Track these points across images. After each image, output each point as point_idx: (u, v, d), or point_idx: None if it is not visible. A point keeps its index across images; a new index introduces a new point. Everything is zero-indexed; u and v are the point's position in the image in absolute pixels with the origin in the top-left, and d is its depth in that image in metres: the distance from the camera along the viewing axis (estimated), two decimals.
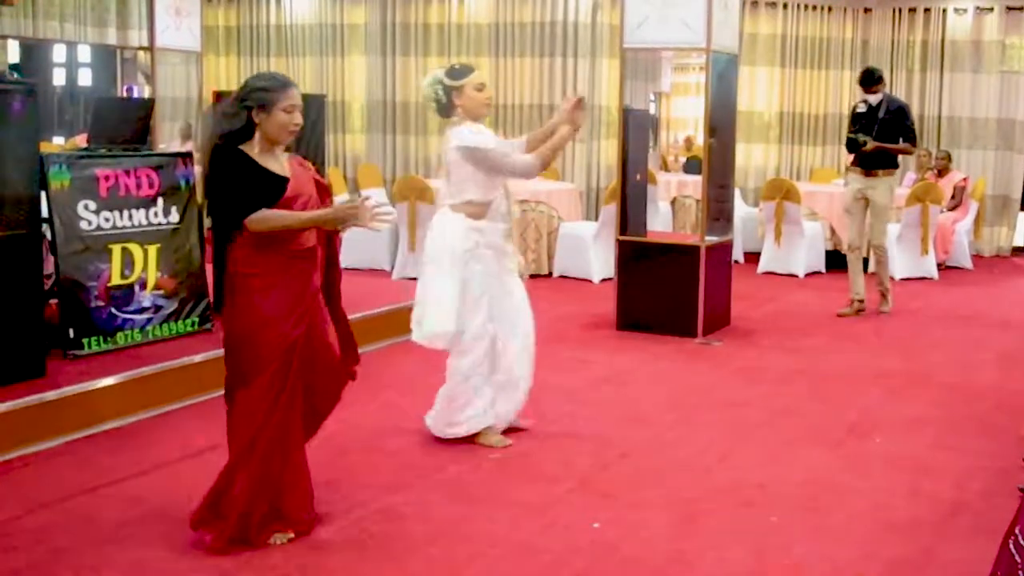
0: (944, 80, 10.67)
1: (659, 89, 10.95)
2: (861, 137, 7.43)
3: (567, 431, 4.88)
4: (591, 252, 8.98)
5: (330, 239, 3.61)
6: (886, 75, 10.43)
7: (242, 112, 3.32)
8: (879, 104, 7.50)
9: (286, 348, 3.39)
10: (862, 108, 7.57)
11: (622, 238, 7.11)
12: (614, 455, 4.57)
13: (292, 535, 3.51)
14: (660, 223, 9.54)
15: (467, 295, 4.38)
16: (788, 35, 10.85)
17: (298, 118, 3.38)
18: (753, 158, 11.00)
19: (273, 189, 3.34)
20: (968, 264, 10.00)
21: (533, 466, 4.41)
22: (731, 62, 7.22)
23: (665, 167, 11.13)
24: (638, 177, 7.25)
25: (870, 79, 7.53)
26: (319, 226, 3.44)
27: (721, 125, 7.12)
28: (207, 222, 7.34)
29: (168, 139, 9.67)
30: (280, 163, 3.42)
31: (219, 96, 6.54)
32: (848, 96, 10.85)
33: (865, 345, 6.84)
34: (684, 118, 11.52)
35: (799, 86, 10.95)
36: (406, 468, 4.31)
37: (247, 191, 3.32)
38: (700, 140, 7.22)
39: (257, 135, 3.36)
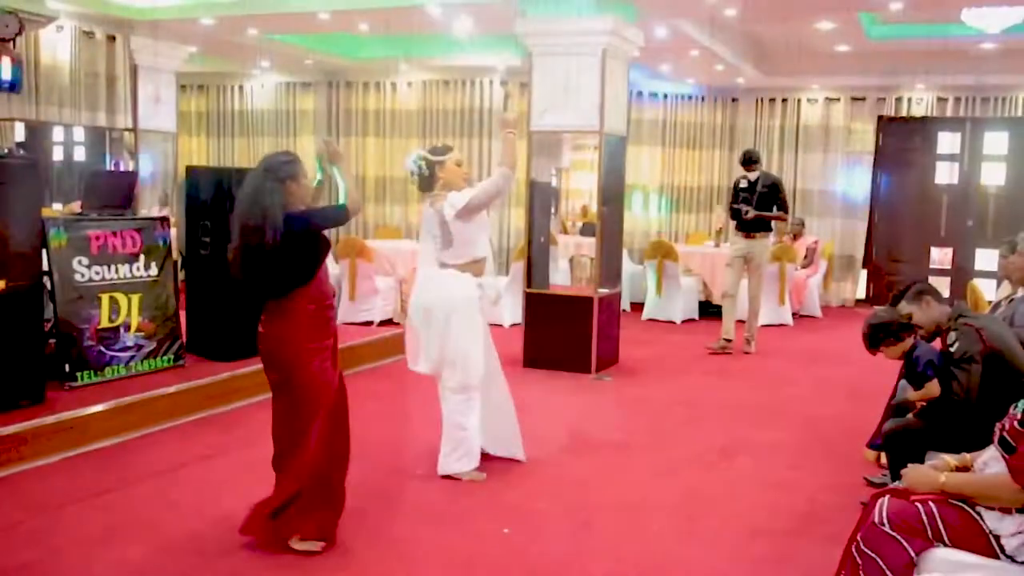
0: (799, 158, 10.86)
1: (560, 165, 11.02)
2: (744, 207, 7.75)
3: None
4: (505, 302, 8.92)
5: None
6: (733, 154, 10.74)
7: (280, 186, 3.28)
8: (756, 179, 7.82)
9: (334, 390, 3.41)
10: (744, 184, 7.87)
11: (528, 290, 7.09)
12: (518, 476, 4.50)
13: (323, 543, 3.45)
14: (560, 278, 9.55)
15: (472, 344, 4.29)
16: (668, 120, 11.04)
17: (311, 183, 3.45)
18: (639, 223, 11.11)
19: (321, 248, 3.39)
20: (818, 313, 10.16)
21: (453, 483, 4.32)
22: (620, 142, 7.31)
23: (565, 230, 11.17)
24: (542, 239, 7.25)
25: (749, 160, 7.88)
26: None
27: (612, 195, 7.17)
28: (181, 275, 7.13)
29: (149, 205, 9.45)
30: None
31: (191, 170, 6.41)
32: (719, 171, 11.09)
33: (733, 381, 6.89)
34: (580, 189, 11.59)
35: (678, 162, 11.12)
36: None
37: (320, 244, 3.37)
38: (594, 208, 7.23)
39: (292, 201, 3.33)
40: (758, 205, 7.76)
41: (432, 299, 4.23)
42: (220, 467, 4.54)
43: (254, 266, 3.27)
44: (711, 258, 9.62)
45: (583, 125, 6.84)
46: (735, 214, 7.85)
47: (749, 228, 7.82)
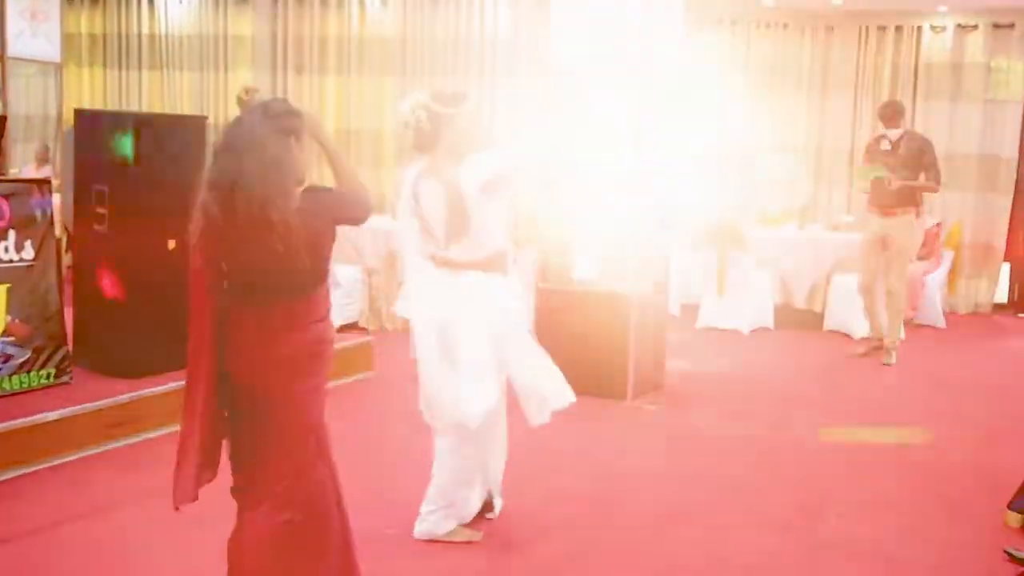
0: (918, 109, 10.76)
1: None
2: (885, 175, 7.96)
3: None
4: None
5: None
6: (848, 102, 10.71)
7: (288, 141, 3.19)
8: (900, 139, 8.09)
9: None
10: (885, 145, 8.14)
11: (542, 286, 7.07)
12: (528, 535, 4.51)
13: None
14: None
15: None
16: (735, 56, 10.99)
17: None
18: (696, 197, 11.07)
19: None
20: (940, 322, 10.12)
21: (435, 549, 4.32)
22: None
23: None
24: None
25: (894, 112, 8.10)
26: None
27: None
28: (66, 259, 7.14)
29: (21, 163, 9.44)
30: None
31: (82, 115, 6.38)
32: (805, 126, 11.01)
33: (820, 412, 6.88)
34: None
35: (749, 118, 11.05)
36: None
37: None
38: None
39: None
40: (901, 172, 7.99)
41: (468, 316, 4.13)
42: (120, 524, 4.54)
43: (234, 254, 3.12)
44: (793, 246, 9.59)
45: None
46: (874, 186, 8.12)
47: (887, 202, 8.07)
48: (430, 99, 4.16)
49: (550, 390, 4.22)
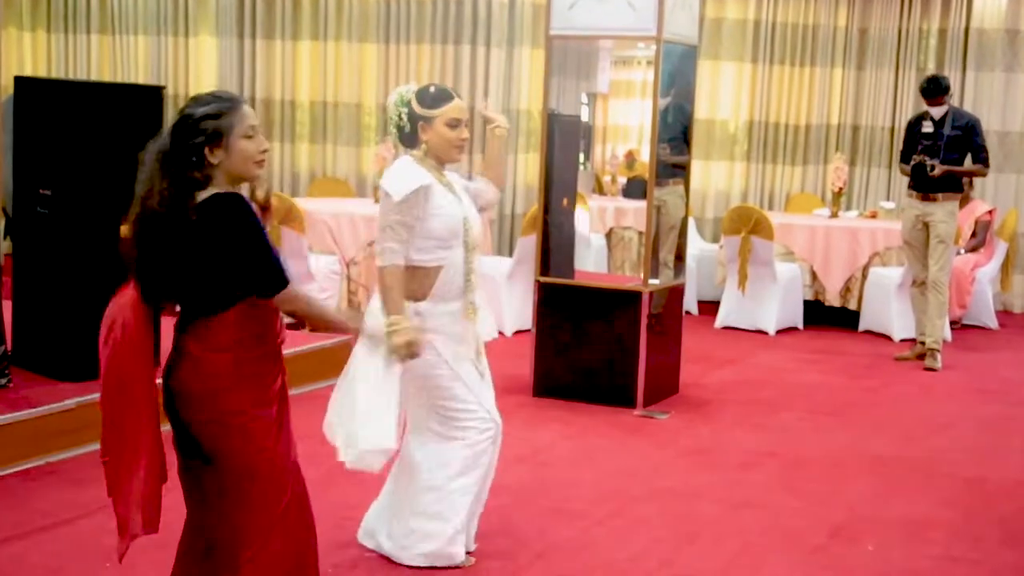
0: (967, 81, 10.76)
1: (594, 89, 10.96)
2: (928, 160, 8.07)
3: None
4: (503, 296, 8.96)
5: None
6: (890, 73, 10.74)
7: (190, 155, 3.15)
8: (944, 119, 8.15)
9: (293, 469, 3.39)
10: (927, 127, 8.22)
11: (543, 279, 7.10)
12: (529, 556, 4.54)
13: None
14: (592, 261, 9.54)
15: (435, 395, 4.37)
16: (763, 21, 11.01)
17: (263, 142, 3.27)
18: (713, 180, 11.12)
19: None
20: (992, 323, 10.13)
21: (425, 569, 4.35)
22: (689, 55, 7.32)
23: (600, 190, 11.15)
24: (565, 202, 7.27)
25: (936, 89, 8.16)
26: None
27: (673, 136, 7.15)
28: (5, 245, 7.14)
29: None
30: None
31: (23, 83, 6.38)
32: (839, 101, 11.06)
33: (854, 423, 6.90)
34: (626, 126, 11.56)
35: (775, 88, 11.12)
36: None
37: (265, 254, 3.21)
38: (645, 155, 7.23)
39: (215, 180, 3.20)
40: (946, 155, 8.08)
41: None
42: (67, 543, 4.54)
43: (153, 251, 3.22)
44: (824, 234, 9.62)
45: (631, 26, 6.84)
46: (915, 171, 8.19)
47: (927, 186, 8.15)
48: (414, 97, 4.31)
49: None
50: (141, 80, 11.02)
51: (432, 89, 4.36)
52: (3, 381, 5.83)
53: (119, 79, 11.18)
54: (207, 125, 3.16)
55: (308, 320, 3.32)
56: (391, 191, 4.19)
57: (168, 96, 9.06)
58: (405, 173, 4.25)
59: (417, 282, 4.26)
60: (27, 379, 6.01)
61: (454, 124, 4.29)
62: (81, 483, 5.19)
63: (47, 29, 11.65)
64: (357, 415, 4.12)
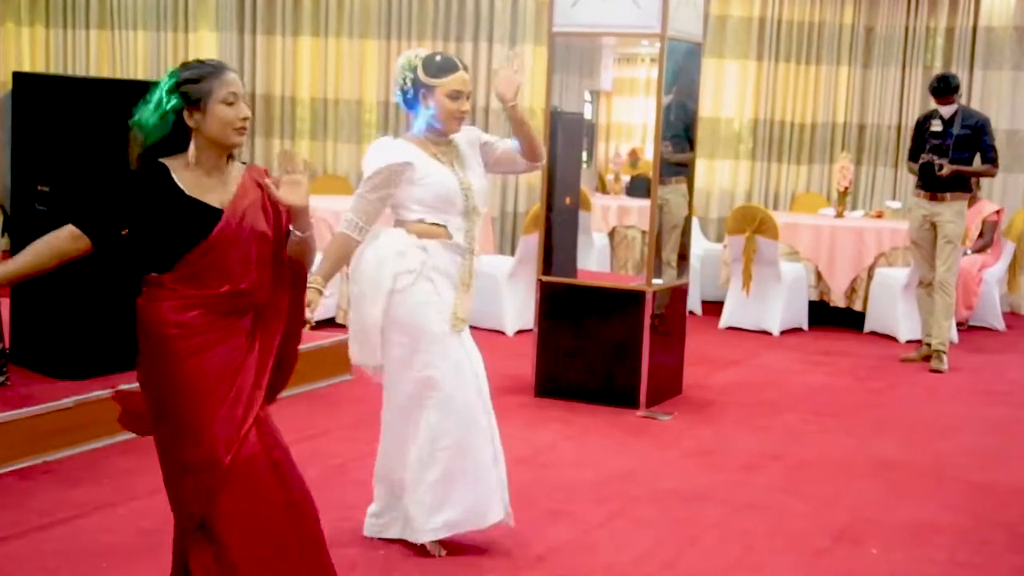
0: (975, 79, 10.75)
1: (597, 87, 10.97)
2: (936, 159, 8.11)
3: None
4: (504, 295, 8.97)
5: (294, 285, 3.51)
6: (896, 72, 10.73)
7: (168, 118, 3.25)
8: (953, 117, 8.18)
9: (240, 467, 3.29)
10: (935, 125, 8.26)
11: (545, 279, 7.11)
12: (529, 558, 4.55)
13: None
14: (595, 260, 9.55)
15: (420, 329, 4.40)
16: (768, 18, 11.01)
17: (244, 110, 3.31)
18: (718, 179, 11.12)
19: (199, 224, 3.26)
20: (999, 324, 10.12)
21: (425, 569, 4.35)
22: (693, 52, 7.31)
23: (603, 188, 11.17)
24: (567, 200, 7.27)
25: (946, 88, 8.19)
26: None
27: (677, 134, 7.15)
28: (3, 242, 7.15)
29: None
30: (225, 186, 3.33)
31: (21, 79, 6.39)
32: (845, 99, 11.05)
33: (859, 425, 6.90)
34: (629, 124, 11.57)
35: (780, 86, 11.12)
36: None
37: (161, 227, 3.26)
38: (649, 153, 7.24)
39: (193, 147, 3.28)
40: (955, 155, 8.12)
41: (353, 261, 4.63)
42: (63, 542, 4.56)
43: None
44: (830, 234, 9.63)
45: (635, 24, 6.84)
46: (923, 170, 8.22)
47: (935, 186, 8.19)
48: (420, 64, 4.39)
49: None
50: (140, 76, 11.03)
51: (438, 58, 4.43)
52: (1, 379, 5.84)
53: (118, 75, 11.19)
54: (187, 89, 3.26)
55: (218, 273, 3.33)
56: (364, 167, 4.40)
57: None
58: (379, 151, 4.41)
59: (427, 230, 4.40)
60: (25, 377, 6.01)
61: (455, 96, 4.36)
62: (78, 482, 5.21)
63: (46, 24, 11.67)
64: (351, 332, 4.56)
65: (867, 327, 9.57)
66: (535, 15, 10.32)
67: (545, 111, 7.14)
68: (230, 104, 3.27)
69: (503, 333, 8.94)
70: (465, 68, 4.44)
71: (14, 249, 6.47)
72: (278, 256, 3.40)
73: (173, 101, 3.26)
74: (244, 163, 3.46)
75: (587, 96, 10.67)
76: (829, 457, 6.16)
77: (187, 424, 3.28)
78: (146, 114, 3.31)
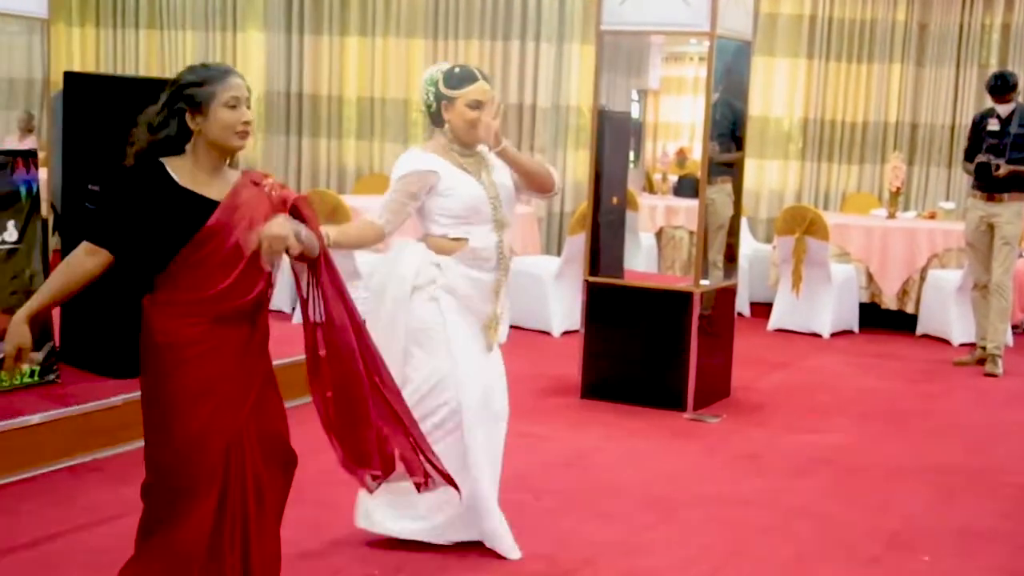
0: None
1: (645, 86, 10.95)
2: (992, 159, 8.06)
3: (514, 529, 4.76)
4: (551, 296, 8.97)
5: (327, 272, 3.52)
6: (950, 70, 10.63)
7: (172, 120, 3.32)
8: (1011, 116, 8.13)
9: (222, 451, 3.36)
10: (992, 124, 8.20)
11: (592, 279, 7.11)
12: (575, 561, 4.55)
13: None
14: (642, 261, 9.53)
15: (412, 352, 4.44)
16: (819, 16, 10.93)
17: (246, 114, 3.36)
18: (767, 179, 11.06)
19: (194, 215, 3.29)
20: None
21: (471, 569, 4.37)
22: (742, 51, 7.29)
23: (650, 188, 11.14)
24: (615, 200, 7.27)
25: (1004, 86, 8.13)
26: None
27: (722, 134, 7.13)
28: (54, 241, 7.24)
29: (3, 133, 9.54)
30: (222, 185, 3.37)
31: (72, 79, 6.46)
32: (898, 98, 10.94)
33: (911, 430, 6.86)
34: (677, 124, 11.55)
35: (831, 84, 11.03)
36: None
37: (161, 223, 3.29)
38: (697, 153, 7.21)
39: (191, 148, 3.34)
40: (1013, 153, 8.06)
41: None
42: (111, 539, 4.59)
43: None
44: (881, 235, 9.55)
45: (684, 22, 6.83)
46: (980, 170, 8.16)
47: (992, 186, 8.14)
48: (441, 77, 4.46)
49: None
50: None
51: (458, 70, 4.49)
52: (51, 377, 5.92)
53: (167, 74, 11.18)
54: (191, 92, 3.32)
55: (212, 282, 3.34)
56: (393, 173, 4.44)
57: None
58: (406, 159, 4.45)
59: (444, 246, 4.43)
60: (75, 376, 6.09)
61: (475, 106, 4.39)
62: (126, 480, 5.22)
63: (96, 24, 11.81)
64: None
65: (919, 330, 9.48)
66: (583, 13, 10.30)
67: (593, 110, 7.15)
68: (232, 108, 3.32)
69: (549, 334, 8.94)
70: (486, 78, 4.47)
71: (65, 248, 6.54)
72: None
73: (178, 104, 3.32)
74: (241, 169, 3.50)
75: (634, 95, 10.66)
76: (880, 462, 6.11)
77: (167, 434, 3.36)
78: (151, 114, 3.38)
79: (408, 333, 4.42)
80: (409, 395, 4.25)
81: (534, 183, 4.57)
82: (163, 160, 3.33)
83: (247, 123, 3.35)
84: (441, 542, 4.54)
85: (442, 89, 4.42)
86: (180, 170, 3.32)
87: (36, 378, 5.87)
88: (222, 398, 3.36)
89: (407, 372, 4.42)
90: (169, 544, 3.38)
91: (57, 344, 6.02)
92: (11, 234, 5.78)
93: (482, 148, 4.51)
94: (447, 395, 4.43)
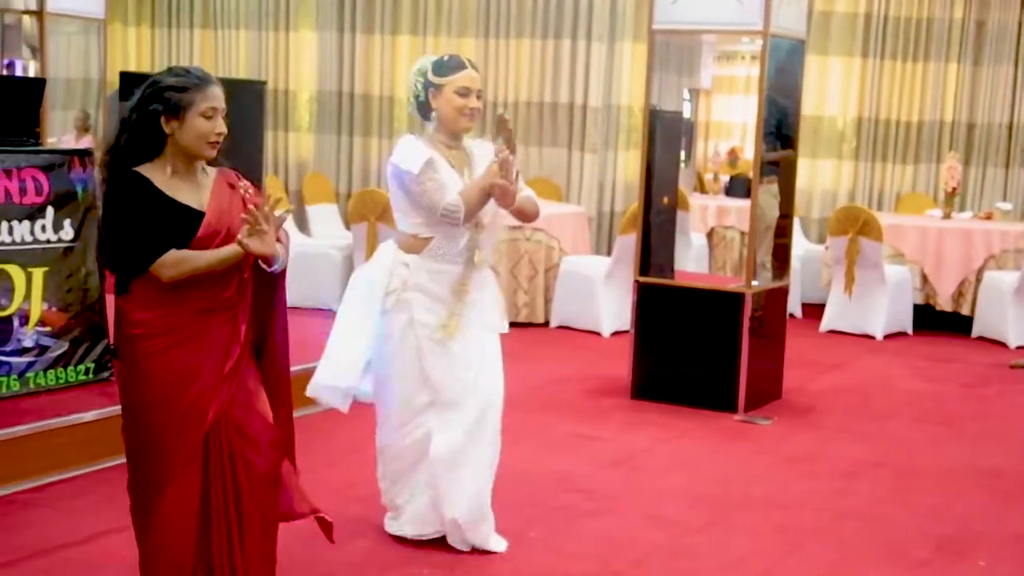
0: None
1: (697, 85, 10.94)
2: None
3: (563, 529, 4.85)
4: (601, 296, 8.97)
5: (271, 278, 3.54)
6: (1009, 68, 10.51)
7: (146, 119, 3.34)
8: None
9: (200, 435, 3.40)
10: None
11: (642, 280, 7.11)
12: (624, 564, 4.55)
13: None
14: (693, 261, 9.51)
15: (385, 357, 4.50)
16: (875, 14, 10.83)
17: (220, 125, 3.39)
18: (820, 179, 10.98)
19: (182, 227, 3.34)
20: None
21: (520, 570, 4.38)
22: (796, 50, 7.25)
23: (701, 188, 11.12)
24: (665, 200, 7.27)
25: None
26: (229, 265, 3.38)
27: (769, 132, 7.10)
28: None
29: (60, 132, 9.66)
30: (199, 189, 3.42)
31: (127, 78, 6.53)
32: (954, 98, 10.81)
33: (966, 433, 6.79)
34: (729, 123, 11.53)
35: (886, 83, 10.92)
36: None
37: (147, 229, 3.30)
38: (749, 153, 7.18)
39: (168, 150, 3.37)
40: None
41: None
42: None
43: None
44: (937, 236, 9.47)
45: (737, 20, 6.82)
46: None
47: None
48: (430, 66, 4.49)
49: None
50: (242, 75, 11.22)
51: (446, 58, 4.53)
52: (105, 375, 5.96)
53: (220, 74, 11.25)
54: (169, 96, 3.33)
55: (195, 276, 3.34)
56: (409, 167, 4.37)
57: (268, 91, 9.25)
58: (412, 148, 4.44)
59: (412, 244, 4.46)
60: None
61: (464, 92, 4.43)
62: None
63: (151, 24, 11.94)
64: (327, 351, 4.49)
65: (975, 332, 9.39)
66: (634, 12, 10.27)
67: (644, 110, 7.15)
68: (208, 118, 3.35)
69: (599, 334, 8.94)
70: (475, 67, 4.49)
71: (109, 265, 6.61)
72: (250, 264, 3.45)
73: (154, 105, 3.32)
74: (215, 167, 3.51)
75: (686, 94, 10.64)
76: (934, 466, 6.06)
77: (143, 431, 3.43)
78: (125, 109, 3.40)
79: (382, 343, 4.48)
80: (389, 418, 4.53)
81: (524, 219, 4.65)
82: (139, 169, 3.34)
83: (220, 134, 3.39)
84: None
85: (430, 77, 4.45)
86: (158, 178, 3.35)
87: (91, 376, 5.94)
88: (203, 385, 3.39)
89: (380, 392, 4.56)
90: (154, 539, 3.48)
91: (111, 342, 6.07)
92: (67, 232, 5.85)
93: (466, 142, 4.56)
94: (420, 419, 4.50)
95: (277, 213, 3.35)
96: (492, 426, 4.53)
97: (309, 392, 4.51)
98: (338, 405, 4.55)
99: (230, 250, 3.33)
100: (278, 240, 3.39)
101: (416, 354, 4.45)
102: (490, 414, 4.51)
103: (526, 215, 4.59)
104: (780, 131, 7.45)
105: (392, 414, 4.54)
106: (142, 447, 3.46)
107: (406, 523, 4.60)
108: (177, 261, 3.30)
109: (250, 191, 3.51)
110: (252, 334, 3.51)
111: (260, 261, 3.40)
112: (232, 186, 3.48)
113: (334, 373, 4.48)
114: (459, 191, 4.35)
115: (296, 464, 3.72)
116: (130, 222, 3.31)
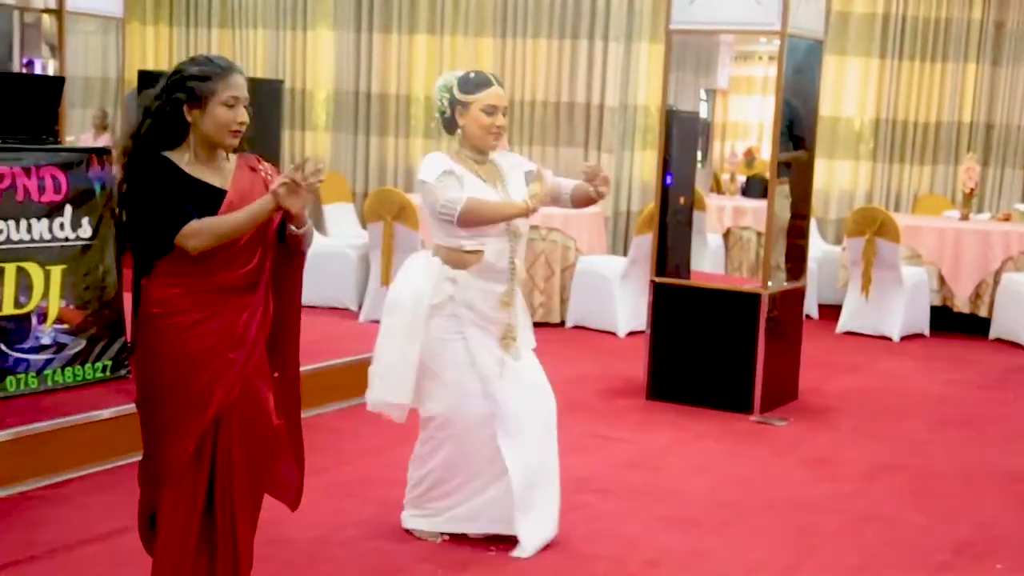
0: None
1: (714, 85, 10.91)
2: None
3: (579, 530, 4.84)
4: (617, 296, 8.96)
5: (291, 260, 3.57)
6: None
7: (168, 108, 3.36)
8: None
9: (208, 418, 3.42)
10: None
11: (658, 280, 7.09)
12: (640, 564, 4.55)
13: None
14: (709, 262, 9.49)
15: (429, 366, 4.50)
16: (892, 15, 10.79)
17: (242, 114, 3.40)
18: (837, 179, 10.95)
19: (204, 203, 3.36)
20: None
21: (537, 571, 4.38)
22: (813, 50, 7.22)
23: (718, 188, 11.09)
24: (682, 200, 7.25)
25: None
26: (259, 221, 3.39)
27: (784, 133, 7.08)
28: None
29: (79, 130, 9.69)
30: (221, 173, 3.44)
31: (145, 77, 6.54)
32: (972, 99, 10.78)
33: (984, 436, 6.77)
34: (746, 123, 11.49)
35: (904, 84, 10.89)
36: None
37: (170, 205, 3.32)
38: (765, 153, 7.16)
39: (190, 138, 3.39)
40: None
41: (391, 286, 4.79)
42: None
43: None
44: (954, 237, 9.44)
45: (754, 21, 6.80)
46: None
47: None
48: (456, 82, 4.48)
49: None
50: (259, 74, 11.23)
51: (473, 75, 4.53)
52: (122, 372, 6.00)
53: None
54: (192, 85, 3.35)
55: (227, 239, 3.35)
56: (426, 178, 4.39)
57: (285, 90, 9.25)
58: (434, 161, 4.45)
59: (459, 259, 4.44)
60: None
61: (490, 111, 4.44)
62: None
63: (169, 23, 11.96)
64: (378, 366, 4.53)
65: (992, 334, 9.35)
66: (651, 12, 10.25)
67: (661, 110, 7.13)
68: (230, 107, 3.36)
69: (615, 334, 8.93)
70: (500, 83, 4.51)
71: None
72: (273, 237, 3.47)
73: (176, 94, 3.35)
74: (236, 152, 3.52)
75: (703, 94, 10.61)
76: (952, 468, 6.04)
77: (160, 412, 3.44)
78: (149, 98, 3.41)
79: (426, 348, 4.47)
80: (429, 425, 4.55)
81: (580, 203, 4.70)
82: (164, 153, 3.37)
83: (242, 123, 3.40)
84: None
85: (456, 94, 4.45)
86: (182, 161, 3.38)
87: (107, 373, 5.95)
88: (215, 369, 3.40)
89: (423, 400, 4.56)
90: (160, 528, 3.50)
91: (128, 339, 6.09)
92: (85, 231, 5.86)
93: (494, 156, 4.55)
94: (455, 428, 4.54)
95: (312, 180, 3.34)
96: (553, 436, 4.65)
97: (371, 408, 4.57)
98: (396, 418, 4.59)
99: (261, 203, 3.33)
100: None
101: (470, 366, 4.48)
102: (552, 426, 4.62)
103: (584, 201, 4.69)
104: (793, 131, 7.43)
105: (447, 423, 4.55)
106: (153, 427, 3.49)
107: (446, 522, 4.63)
108: (200, 228, 3.31)
109: (271, 173, 3.52)
110: (269, 320, 3.51)
111: (288, 223, 3.42)
112: (253, 169, 3.50)
113: (389, 388, 4.50)
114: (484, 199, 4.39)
115: (304, 461, 3.74)
116: (154, 199, 3.33)
